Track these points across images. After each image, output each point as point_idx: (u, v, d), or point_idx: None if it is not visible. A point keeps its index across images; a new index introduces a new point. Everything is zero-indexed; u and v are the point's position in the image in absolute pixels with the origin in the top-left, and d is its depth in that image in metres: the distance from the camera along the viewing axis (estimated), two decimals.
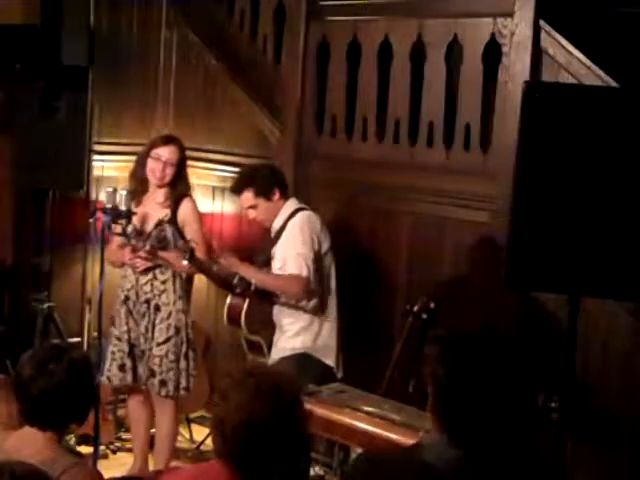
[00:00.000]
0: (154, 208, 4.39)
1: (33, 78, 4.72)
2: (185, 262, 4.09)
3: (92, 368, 2.65)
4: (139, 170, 4.41)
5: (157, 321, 4.36)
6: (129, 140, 5.48)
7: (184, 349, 4.40)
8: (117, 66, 5.52)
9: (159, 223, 4.36)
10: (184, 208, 4.39)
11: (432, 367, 2.15)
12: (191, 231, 4.37)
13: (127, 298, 4.43)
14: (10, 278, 5.19)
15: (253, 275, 4.18)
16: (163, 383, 4.36)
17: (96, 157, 5.37)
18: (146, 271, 4.37)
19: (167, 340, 4.36)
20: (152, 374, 4.36)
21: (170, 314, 4.38)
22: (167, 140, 4.41)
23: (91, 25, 5.25)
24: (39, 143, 4.67)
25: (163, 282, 4.38)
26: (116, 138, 5.50)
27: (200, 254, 4.22)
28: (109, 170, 5.47)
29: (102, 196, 4.78)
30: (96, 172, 5.43)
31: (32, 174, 4.74)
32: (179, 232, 4.35)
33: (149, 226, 4.37)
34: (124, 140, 5.49)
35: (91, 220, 4.39)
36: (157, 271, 4.38)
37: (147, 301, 4.38)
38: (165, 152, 4.33)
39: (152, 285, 4.38)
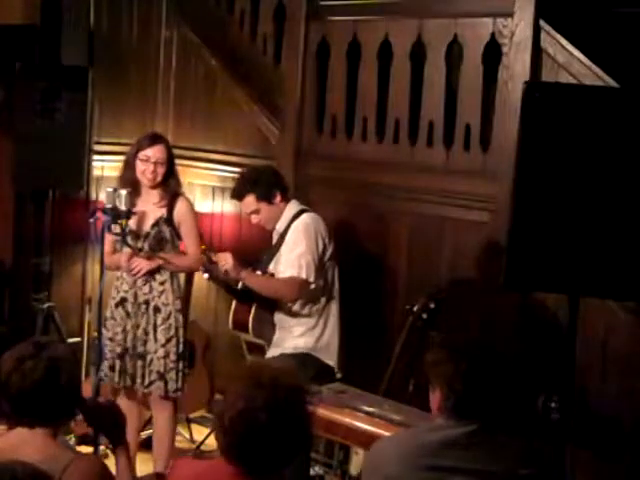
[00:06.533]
0: (150, 209, 4.36)
1: (33, 78, 4.72)
2: (205, 275, 4.08)
3: (75, 362, 2.63)
4: (128, 173, 4.36)
5: (158, 322, 4.34)
6: (129, 140, 5.43)
7: (181, 349, 4.38)
8: (117, 66, 5.52)
9: (156, 223, 4.35)
10: (180, 207, 4.37)
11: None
12: (187, 229, 4.36)
13: (124, 300, 4.39)
14: (10, 278, 5.19)
15: (249, 279, 4.17)
16: (165, 384, 4.35)
17: (96, 157, 5.38)
18: (147, 274, 4.34)
19: (168, 340, 4.34)
20: (159, 377, 4.33)
21: (170, 314, 4.36)
22: (153, 140, 4.35)
23: (91, 25, 5.26)
24: (39, 143, 4.67)
25: (162, 283, 4.36)
26: (116, 138, 5.50)
27: (194, 251, 4.32)
28: (109, 170, 5.46)
29: (102, 196, 4.79)
30: (96, 172, 5.43)
31: (32, 174, 4.74)
32: (175, 231, 4.36)
33: (146, 227, 4.35)
34: (124, 140, 5.47)
35: (91, 220, 4.38)
36: (155, 272, 4.35)
37: (146, 302, 4.36)
38: (152, 152, 4.29)
39: (150, 286, 4.35)
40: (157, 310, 4.35)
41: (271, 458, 2.17)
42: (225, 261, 4.04)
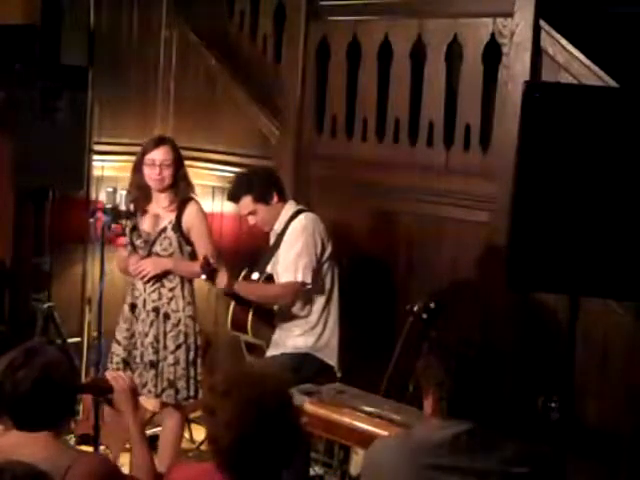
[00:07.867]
0: (160, 214, 4.32)
1: (33, 78, 4.72)
2: (202, 277, 4.05)
3: (69, 362, 2.61)
4: (137, 178, 4.31)
5: (168, 329, 4.30)
6: (129, 140, 5.48)
7: (192, 356, 4.35)
8: (117, 66, 5.52)
9: (164, 228, 4.30)
10: (189, 212, 4.30)
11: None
12: (196, 234, 4.30)
13: (134, 306, 4.37)
14: (10, 278, 5.19)
15: (243, 289, 4.16)
16: (176, 391, 4.31)
17: (96, 157, 5.38)
18: (153, 278, 4.31)
19: (178, 347, 4.30)
20: (169, 384, 4.29)
21: (180, 321, 4.31)
22: (158, 142, 4.30)
23: (91, 25, 5.26)
24: (39, 143, 4.67)
25: (171, 289, 4.31)
26: (116, 138, 5.51)
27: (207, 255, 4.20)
28: (109, 170, 5.47)
29: (102, 196, 4.79)
30: (96, 172, 5.43)
31: (32, 174, 4.74)
32: (184, 236, 4.30)
33: (154, 232, 4.31)
34: (124, 140, 5.49)
35: (91, 220, 4.38)
36: (164, 278, 4.31)
37: (155, 309, 4.31)
38: (158, 154, 4.23)
39: (160, 292, 4.31)
40: (167, 317, 4.31)
41: (268, 466, 2.18)
42: (220, 279, 4.05)
